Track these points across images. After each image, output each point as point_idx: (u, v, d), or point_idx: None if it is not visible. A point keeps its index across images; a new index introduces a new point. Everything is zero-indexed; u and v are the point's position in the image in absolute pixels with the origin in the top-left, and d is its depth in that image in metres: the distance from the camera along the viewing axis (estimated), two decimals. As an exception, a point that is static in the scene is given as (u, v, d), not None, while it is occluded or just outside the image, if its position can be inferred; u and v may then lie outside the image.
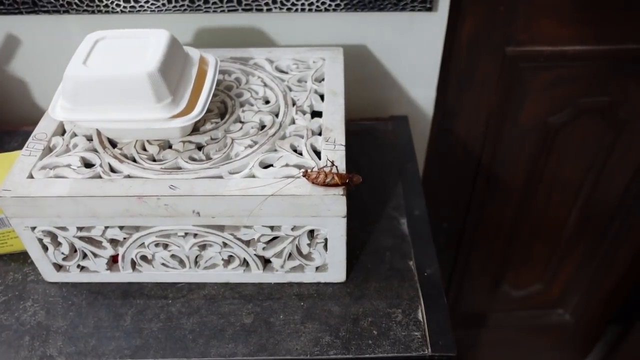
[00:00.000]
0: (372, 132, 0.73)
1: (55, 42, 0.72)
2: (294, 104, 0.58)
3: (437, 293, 0.55)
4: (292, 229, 0.51)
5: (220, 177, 0.50)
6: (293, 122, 0.56)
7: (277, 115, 0.57)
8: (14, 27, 0.71)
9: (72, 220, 0.51)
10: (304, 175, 0.48)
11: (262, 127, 0.56)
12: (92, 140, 0.54)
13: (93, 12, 0.69)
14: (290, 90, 0.60)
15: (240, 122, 0.56)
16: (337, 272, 0.55)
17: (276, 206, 0.49)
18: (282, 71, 0.63)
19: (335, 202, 0.48)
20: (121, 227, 0.52)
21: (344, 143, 0.53)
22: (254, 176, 0.51)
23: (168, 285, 0.57)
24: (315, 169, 0.49)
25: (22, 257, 0.60)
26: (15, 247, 0.59)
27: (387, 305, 0.54)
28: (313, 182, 0.48)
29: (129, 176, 0.51)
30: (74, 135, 0.55)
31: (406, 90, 0.77)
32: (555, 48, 0.76)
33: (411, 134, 0.74)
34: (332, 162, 0.49)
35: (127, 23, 0.70)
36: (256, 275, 0.56)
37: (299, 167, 0.51)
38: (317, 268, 0.55)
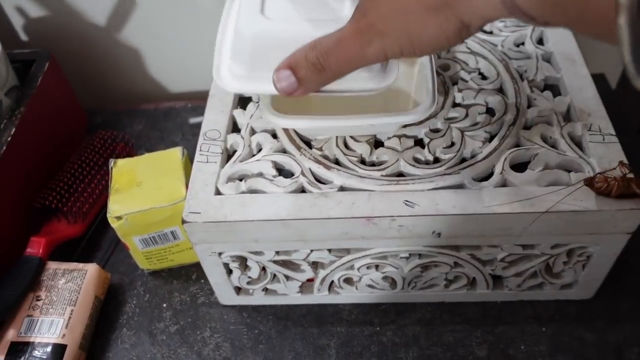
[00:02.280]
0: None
1: (177, 4, 0.60)
2: (521, 78, 0.45)
3: None
4: (552, 248, 0.40)
5: (463, 185, 0.39)
6: (530, 103, 0.43)
7: (504, 94, 0.44)
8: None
9: (274, 245, 0.41)
10: (587, 184, 0.37)
11: (490, 111, 0.43)
12: (277, 137, 0.43)
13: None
14: (509, 57, 0.47)
15: (461, 105, 0.44)
16: (585, 289, 0.44)
17: (545, 224, 0.37)
18: (485, 31, 0.50)
19: (630, 218, 0.37)
20: (329, 250, 0.41)
21: (614, 132, 0.40)
22: (507, 184, 0.39)
23: (370, 308, 0.47)
24: (601, 176, 0.37)
25: (184, 273, 0.51)
26: (176, 262, 0.50)
27: (653, 331, 0.44)
28: (599, 193, 0.36)
29: (342, 188, 0.40)
30: (253, 131, 0.44)
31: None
32: None
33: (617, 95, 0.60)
34: (625, 165, 0.37)
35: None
36: (481, 294, 0.45)
37: (565, 168, 0.39)
38: (562, 286, 0.44)
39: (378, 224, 0.38)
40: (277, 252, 0.42)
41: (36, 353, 0.43)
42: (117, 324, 0.48)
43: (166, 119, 0.64)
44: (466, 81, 0.45)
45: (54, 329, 0.44)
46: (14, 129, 0.50)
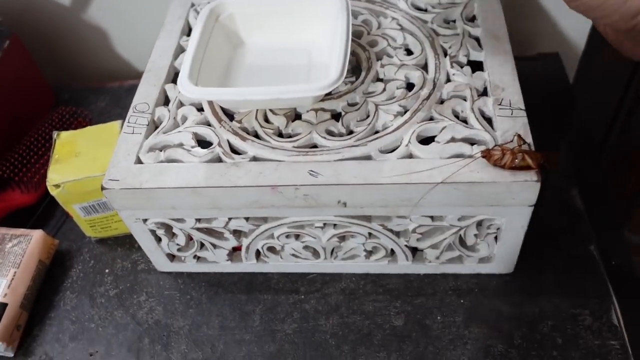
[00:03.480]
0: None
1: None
2: (445, 54, 0.46)
3: (635, 288, 0.44)
4: (459, 219, 0.41)
5: (369, 157, 0.40)
6: (449, 79, 0.44)
7: (426, 70, 0.45)
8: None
9: (190, 212, 0.42)
10: (483, 156, 0.37)
11: (409, 86, 0.44)
12: (202, 110, 0.45)
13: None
14: (437, 34, 0.47)
15: (381, 80, 0.45)
16: (504, 263, 0.45)
17: (445, 195, 0.38)
18: (419, 9, 0.50)
19: (525, 190, 0.37)
20: (247, 219, 0.43)
21: (523, 107, 0.41)
22: (412, 155, 0.40)
23: (298, 277, 0.48)
24: (498, 147, 0.37)
25: (128, 242, 0.53)
26: (120, 231, 0.52)
27: (570, 305, 0.44)
28: (495, 165, 0.37)
29: (255, 158, 0.41)
30: (181, 104, 0.46)
31: (556, 22, 0.62)
32: None
33: (567, 74, 0.60)
34: (520, 137, 0.38)
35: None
36: (403, 266, 0.46)
37: (469, 141, 0.40)
38: (480, 259, 0.45)
39: (283, 192, 0.39)
40: (198, 220, 0.44)
41: (-21, 311, 0.46)
42: (61, 287, 0.51)
43: (128, 97, 0.65)
44: (391, 57, 0.46)
45: (-3, 289, 0.47)
46: (-30, 103, 0.53)
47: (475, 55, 0.45)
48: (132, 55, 0.70)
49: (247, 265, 0.48)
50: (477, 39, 0.47)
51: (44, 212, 0.56)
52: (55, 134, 0.50)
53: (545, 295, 0.45)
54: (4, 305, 0.46)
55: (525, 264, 0.46)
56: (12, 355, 0.47)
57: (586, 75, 0.63)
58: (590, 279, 0.45)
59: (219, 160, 0.42)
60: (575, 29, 0.62)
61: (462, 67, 0.44)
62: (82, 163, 0.48)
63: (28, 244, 0.50)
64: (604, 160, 0.52)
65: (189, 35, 0.52)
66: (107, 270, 0.51)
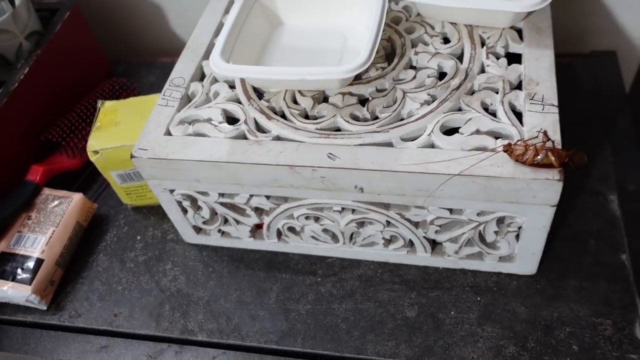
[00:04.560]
0: (568, 72, 0.57)
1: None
2: (482, 44, 0.44)
3: (664, 303, 0.42)
4: (478, 215, 0.40)
5: (390, 144, 0.40)
6: (483, 70, 0.43)
7: (460, 60, 0.44)
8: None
9: (213, 186, 0.44)
10: (505, 151, 0.36)
11: (442, 75, 0.43)
12: (234, 87, 0.46)
13: None
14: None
15: (413, 68, 0.44)
16: (526, 264, 0.44)
17: (462, 188, 0.37)
18: (463, -3, 0.49)
19: (547, 189, 0.36)
20: (268, 197, 0.44)
21: (556, 103, 0.39)
22: (433, 145, 0.39)
23: (317, 260, 0.49)
24: (521, 142, 0.36)
25: (161, 212, 0.54)
26: (154, 200, 0.54)
27: (591, 313, 0.42)
28: (517, 160, 0.36)
29: (278, 137, 0.42)
30: (215, 81, 0.47)
31: (614, 17, 0.59)
32: None
33: (622, 75, 0.57)
34: (545, 133, 0.36)
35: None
36: (422, 258, 0.46)
37: (494, 135, 0.39)
38: (500, 257, 0.44)
39: (301, 173, 0.40)
40: (222, 195, 0.45)
41: (20, 263, 0.49)
42: (95, 250, 0.53)
43: (177, 72, 0.68)
44: (427, 44, 0.45)
45: (37, 245, 0.50)
46: (27, 69, 0.56)
47: (515, 48, 0.44)
48: (185, 33, 0.72)
49: (269, 243, 0.49)
50: (519, 31, 0.45)
51: (87, 178, 0.59)
52: (99, 102, 0.53)
53: (566, 300, 0.43)
54: (41, 260, 0.49)
55: (549, 266, 0.45)
56: (45, 308, 0.50)
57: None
58: (616, 289, 0.43)
59: (244, 137, 0.42)
60: (635, 25, 0.59)
61: (498, 58, 0.43)
62: (121, 132, 0.50)
63: (68, 206, 0.53)
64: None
65: (230, 14, 0.53)
66: (139, 237, 0.54)
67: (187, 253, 0.52)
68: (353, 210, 0.43)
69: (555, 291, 0.44)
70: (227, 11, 0.53)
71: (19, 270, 0.49)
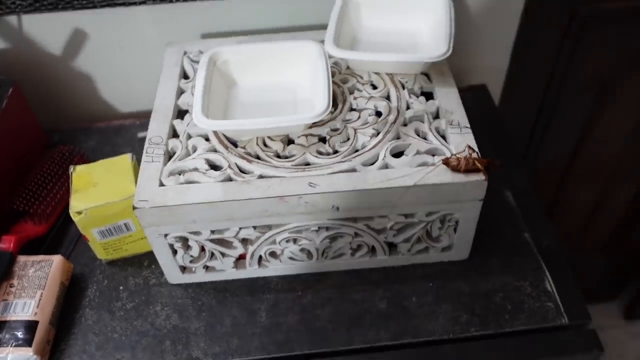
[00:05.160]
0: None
1: (125, 36, 0.70)
2: (403, 87, 0.57)
3: (561, 263, 0.56)
4: (427, 215, 0.52)
5: (354, 170, 0.50)
6: (408, 106, 0.55)
7: (390, 100, 0.56)
8: (81, 21, 0.69)
9: (208, 225, 0.51)
10: (444, 163, 0.48)
11: (378, 113, 0.55)
12: (209, 140, 0.54)
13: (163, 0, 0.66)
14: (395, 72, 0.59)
15: (355, 110, 0.55)
16: (461, 251, 0.56)
17: (415, 195, 0.49)
18: (377, 52, 0.62)
19: (477, 188, 0.49)
20: (255, 227, 0.52)
21: (469, 125, 0.53)
22: (387, 166, 0.50)
23: (293, 278, 0.57)
24: (454, 156, 0.49)
25: (137, 261, 0.60)
26: (130, 252, 0.59)
27: (514, 279, 0.56)
28: (453, 170, 0.48)
29: (261, 176, 0.50)
30: (189, 136, 0.54)
31: (481, 58, 0.76)
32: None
33: (494, 101, 0.73)
34: (470, 147, 0.49)
35: (202, 13, 0.68)
36: (382, 260, 0.56)
37: (431, 153, 0.51)
38: (442, 249, 0.56)
39: (289, 201, 0.49)
40: (213, 232, 0.52)
41: (13, 329, 0.51)
42: (80, 306, 0.57)
43: (117, 135, 0.73)
44: (360, 91, 0.57)
45: (27, 309, 0.53)
46: (-17, 146, 0.58)
47: (428, 87, 0.57)
48: (115, 99, 0.77)
49: (250, 271, 0.56)
50: (427, 75, 0.59)
51: (52, 241, 0.62)
52: (71, 168, 0.57)
53: (494, 273, 0.56)
54: (36, 322, 0.52)
55: (476, 252, 0.58)
56: (44, 367, 0.52)
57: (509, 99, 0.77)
58: (527, 259, 0.57)
59: (231, 179, 0.50)
60: (495, 65, 0.77)
61: (417, 96, 0.56)
62: (101, 191, 0.55)
63: (50, 268, 0.55)
64: (526, 167, 0.65)
65: (185, 78, 0.61)
66: (121, 287, 0.58)
67: (173, 293, 0.57)
68: (327, 228, 0.52)
69: (486, 268, 0.57)
70: (180, 77, 0.61)
71: (18, 334, 0.51)
